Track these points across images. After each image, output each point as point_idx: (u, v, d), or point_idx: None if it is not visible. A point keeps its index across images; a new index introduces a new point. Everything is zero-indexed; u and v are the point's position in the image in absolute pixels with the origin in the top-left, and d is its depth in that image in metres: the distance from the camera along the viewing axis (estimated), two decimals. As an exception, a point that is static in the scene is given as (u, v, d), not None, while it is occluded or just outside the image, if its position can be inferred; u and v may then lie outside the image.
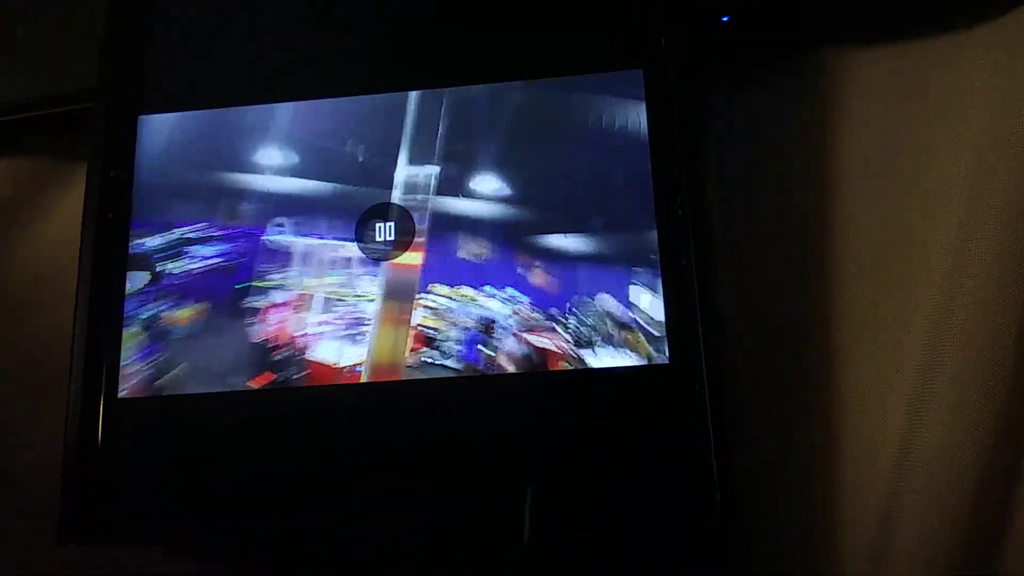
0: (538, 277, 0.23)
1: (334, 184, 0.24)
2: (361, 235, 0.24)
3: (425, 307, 0.23)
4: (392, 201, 0.24)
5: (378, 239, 0.24)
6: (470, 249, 0.23)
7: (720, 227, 0.23)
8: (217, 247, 0.24)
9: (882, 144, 0.26)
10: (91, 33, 0.28)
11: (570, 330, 0.22)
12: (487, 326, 0.23)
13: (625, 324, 0.22)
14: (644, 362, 0.22)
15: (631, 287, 0.22)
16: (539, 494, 0.21)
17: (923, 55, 0.26)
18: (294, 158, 0.25)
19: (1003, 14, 0.25)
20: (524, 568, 0.22)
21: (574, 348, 0.22)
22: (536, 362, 0.22)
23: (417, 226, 0.24)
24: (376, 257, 0.24)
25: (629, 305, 0.22)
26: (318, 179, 0.24)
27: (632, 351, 0.22)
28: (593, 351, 0.22)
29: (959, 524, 0.22)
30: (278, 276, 0.24)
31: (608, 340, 0.22)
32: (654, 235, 0.22)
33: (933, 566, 0.21)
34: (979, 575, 0.22)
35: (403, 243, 0.24)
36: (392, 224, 0.24)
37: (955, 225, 0.24)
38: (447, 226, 0.24)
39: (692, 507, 0.21)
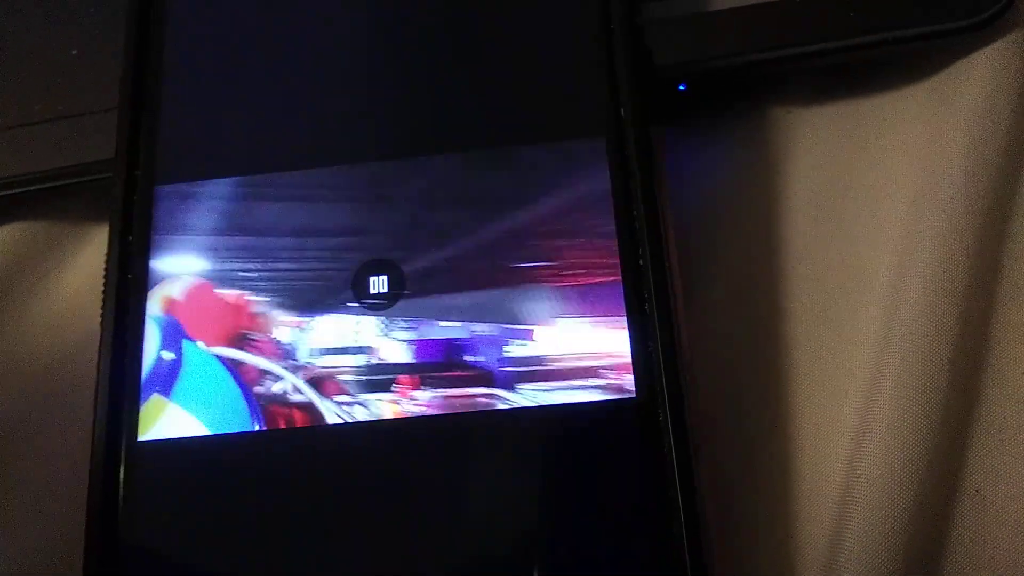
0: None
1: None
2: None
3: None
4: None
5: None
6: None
7: (680, 272, 0.25)
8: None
9: (829, 192, 0.29)
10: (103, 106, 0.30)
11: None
12: None
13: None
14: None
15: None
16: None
17: (864, 112, 0.29)
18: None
19: (932, 76, 0.29)
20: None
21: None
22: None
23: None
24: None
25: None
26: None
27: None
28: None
29: (899, 533, 0.24)
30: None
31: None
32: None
33: (875, 573, 0.24)
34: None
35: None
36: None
37: (895, 264, 0.27)
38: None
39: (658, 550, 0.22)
